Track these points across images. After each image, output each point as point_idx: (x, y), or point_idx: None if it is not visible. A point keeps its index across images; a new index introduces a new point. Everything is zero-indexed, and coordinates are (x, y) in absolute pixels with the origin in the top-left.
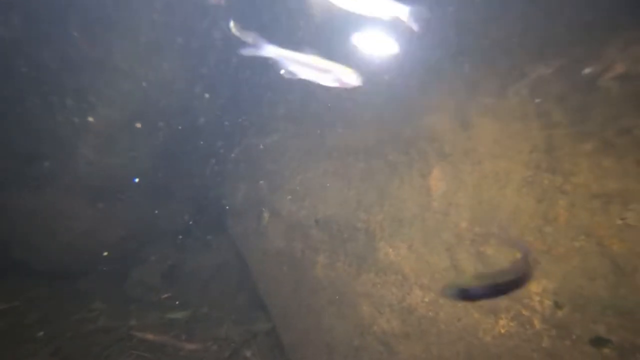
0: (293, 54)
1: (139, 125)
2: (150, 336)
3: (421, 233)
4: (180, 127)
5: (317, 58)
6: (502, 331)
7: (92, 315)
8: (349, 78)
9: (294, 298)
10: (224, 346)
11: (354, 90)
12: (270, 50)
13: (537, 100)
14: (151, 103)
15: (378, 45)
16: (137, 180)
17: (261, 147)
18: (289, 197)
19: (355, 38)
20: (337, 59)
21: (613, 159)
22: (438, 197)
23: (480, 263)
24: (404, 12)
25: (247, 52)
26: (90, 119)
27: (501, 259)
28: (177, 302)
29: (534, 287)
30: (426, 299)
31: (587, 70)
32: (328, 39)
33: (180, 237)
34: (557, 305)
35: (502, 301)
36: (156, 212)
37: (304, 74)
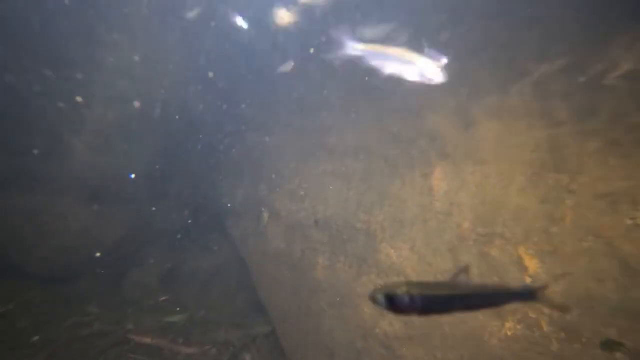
0: (378, 47)
1: (135, 125)
2: (147, 340)
3: (423, 234)
4: (178, 127)
5: (402, 51)
6: (509, 334)
7: (88, 319)
8: (433, 73)
9: (294, 300)
10: (222, 350)
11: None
12: (356, 48)
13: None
14: (149, 102)
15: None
16: (133, 176)
17: (260, 147)
18: (289, 197)
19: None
20: None
21: (620, 157)
22: (440, 198)
23: (484, 264)
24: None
25: (333, 51)
26: (87, 118)
27: (506, 261)
28: (175, 305)
29: None
30: None
31: (592, 69)
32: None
33: (179, 238)
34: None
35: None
36: (154, 213)
37: (389, 68)
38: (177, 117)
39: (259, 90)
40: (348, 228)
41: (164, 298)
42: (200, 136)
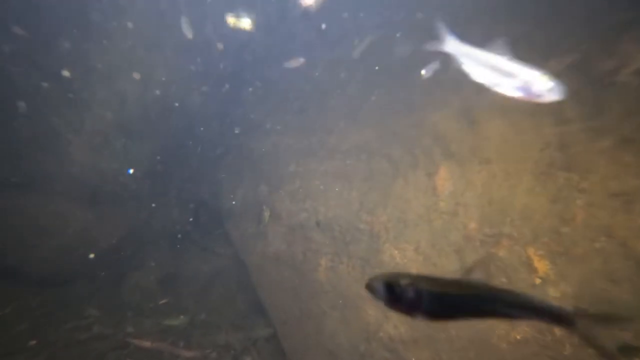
0: (477, 51)
1: (135, 125)
2: (147, 343)
3: (428, 234)
4: (178, 127)
5: (505, 60)
6: (518, 337)
7: (86, 323)
8: (543, 87)
9: (295, 303)
10: (223, 353)
11: (355, 88)
12: (452, 45)
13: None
14: (147, 103)
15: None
16: (131, 171)
17: (261, 147)
18: (289, 198)
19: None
20: None
21: (633, 155)
22: (445, 197)
23: (492, 265)
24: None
25: (431, 45)
26: (86, 117)
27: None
28: (174, 308)
29: (552, 290)
30: None
31: (602, 65)
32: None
33: (178, 239)
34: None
35: None
36: (153, 214)
37: (483, 75)
38: (177, 117)
39: (260, 90)
40: (350, 229)
41: (163, 300)
42: (200, 137)
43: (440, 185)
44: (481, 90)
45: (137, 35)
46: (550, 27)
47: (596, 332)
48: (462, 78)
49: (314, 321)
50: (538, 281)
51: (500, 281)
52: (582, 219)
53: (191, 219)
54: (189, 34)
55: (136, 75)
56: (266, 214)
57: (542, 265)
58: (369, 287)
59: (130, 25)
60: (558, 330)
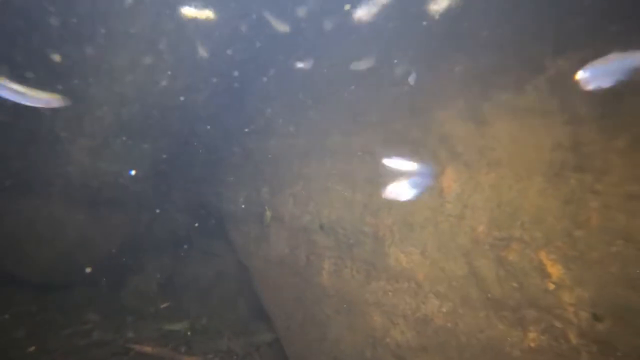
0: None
1: (135, 127)
2: (148, 349)
3: (434, 238)
4: (179, 130)
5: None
6: (532, 345)
7: (86, 328)
8: None
9: (299, 307)
10: (225, 359)
11: (356, 88)
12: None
13: None
14: (148, 104)
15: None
16: (133, 172)
17: (262, 149)
18: (292, 201)
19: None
20: None
21: None
22: (452, 200)
23: (501, 269)
24: None
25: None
26: (85, 120)
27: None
28: (175, 312)
29: (566, 296)
30: (444, 309)
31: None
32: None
33: (179, 243)
34: (596, 318)
35: (529, 312)
36: (153, 218)
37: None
38: (178, 118)
39: (261, 91)
40: (355, 232)
41: (164, 305)
42: (202, 138)
43: (446, 187)
44: (487, 90)
45: (138, 36)
46: (558, 23)
47: None
48: (467, 78)
49: (318, 326)
50: (552, 286)
51: (511, 286)
52: (597, 221)
53: (192, 222)
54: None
55: (137, 76)
56: (268, 214)
57: (555, 270)
58: None
59: (130, 25)
60: (574, 338)
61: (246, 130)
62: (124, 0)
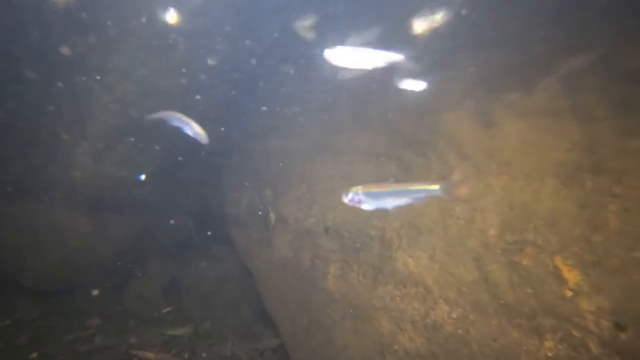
0: None
1: (138, 131)
2: (150, 355)
3: (443, 241)
4: (180, 133)
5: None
6: (550, 354)
7: (88, 334)
8: None
9: (303, 312)
10: None
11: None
12: None
13: None
14: (150, 108)
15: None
16: (143, 177)
17: (265, 151)
18: (296, 203)
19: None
20: None
21: None
22: (461, 202)
23: (515, 274)
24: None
25: None
26: (88, 123)
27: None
28: (178, 317)
29: (585, 303)
30: (454, 315)
31: (631, 60)
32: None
33: (181, 246)
34: (619, 327)
35: (546, 320)
36: (155, 221)
37: None
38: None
39: (263, 93)
40: (361, 235)
41: (167, 309)
42: (203, 143)
43: (463, 179)
44: (495, 90)
45: (139, 39)
46: (569, 20)
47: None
48: (475, 78)
49: (324, 332)
50: (569, 293)
51: (525, 292)
52: (616, 225)
53: (194, 225)
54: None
55: (140, 81)
56: (272, 216)
57: (572, 276)
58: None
59: (133, 29)
60: (595, 348)
61: (249, 132)
62: (126, 3)
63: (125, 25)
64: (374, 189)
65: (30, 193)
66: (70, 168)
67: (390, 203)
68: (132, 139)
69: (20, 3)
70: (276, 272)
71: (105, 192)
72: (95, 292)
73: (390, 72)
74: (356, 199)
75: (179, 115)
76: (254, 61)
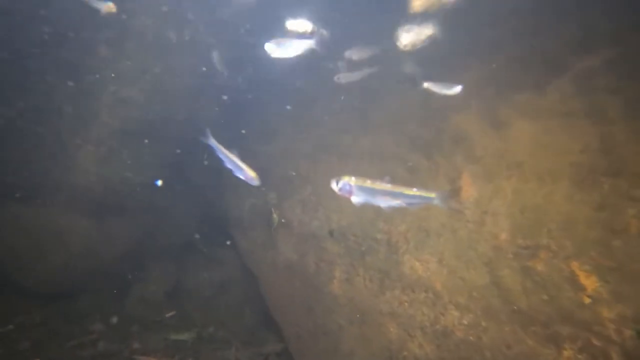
0: None
1: (141, 133)
2: None
3: (452, 245)
4: (184, 135)
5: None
6: None
7: (91, 339)
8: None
9: (309, 316)
10: None
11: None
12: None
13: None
14: (154, 111)
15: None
16: (159, 182)
17: (269, 153)
18: (300, 206)
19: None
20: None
21: None
22: (470, 205)
23: (528, 280)
24: None
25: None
26: (91, 126)
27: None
28: (181, 321)
29: (605, 311)
30: (465, 321)
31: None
32: None
33: (184, 250)
34: None
35: (563, 328)
36: (158, 224)
37: None
38: (184, 124)
39: (268, 94)
40: (366, 238)
41: (170, 314)
42: (206, 146)
43: (464, 192)
44: (505, 90)
45: (143, 42)
46: (581, 18)
47: None
48: (483, 78)
49: (330, 337)
50: (587, 300)
51: (540, 298)
52: (637, 229)
53: (197, 228)
54: (221, 67)
55: (142, 83)
56: (275, 216)
57: (590, 283)
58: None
59: (136, 32)
60: (617, 358)
61: (253, 134)
62: (130, 6)
63: (131, 26)
64: (366, 183)
65: (32, 196)
66: (74, 171)
67: (380, 201)
68: (135, 142)
69: (23, 5)
70: (280, 276)
71: (108, 195)
72: (98, 296)
73: (396, 72)
74: (346, 188)
75: (232, 156)
76: (257, 63)
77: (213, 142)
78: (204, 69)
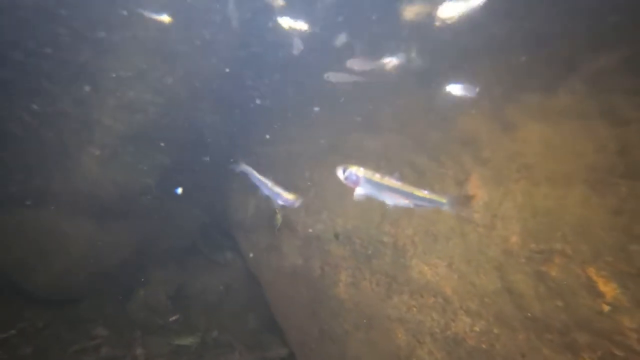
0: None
1: (145, 137)
2: None
3: (462, 249)
4: (188, 138)
5: None
6: None
7: (94, 344)
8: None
9: (314, 321)
10: None
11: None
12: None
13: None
14: (157, 114)
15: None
16: (179, 190)
17: (272, 155)
18: (304, 209)
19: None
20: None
21: None
22: (479, 208)
23: (542, 285)
24: None
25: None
26: (95, 129)
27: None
28: (184, 326)
29: (626, 320)
30: (476, 328)
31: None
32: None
33: (187, 253)
34: None
35: (581, 336)
36: (162, 228)
37: None
38: (187, 127)
39: (269, 96)
40: (372, 242)
41: (173, 318)
42: (211, 146)
43: (472, 195)
44: (513, 91)
45: (146, 47)
46: (594, 17)
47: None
48: (491, 78)
49: (336, 343)
50: (606, 308)
51: (555, 305)
52: None
53: (200, 231)
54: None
55: (146, 87)
56: (278, 217)
57: (609, 289)
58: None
59: (139, 37)
60: None
61: (256, 137)
62: (134, 10)
63: (133, 30)
64: (375, 177)
65: (36, 200)
66: (76, 175)
67: (387, 198)
68: (139, 145)
69: (27, 8)
70: (285, 280)
71: (111, 199)
72: (101, 301)
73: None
74: (353, 178)
75: (267, 181)
76: (262, 65)
77: (247, 168)
78: (227, 70)
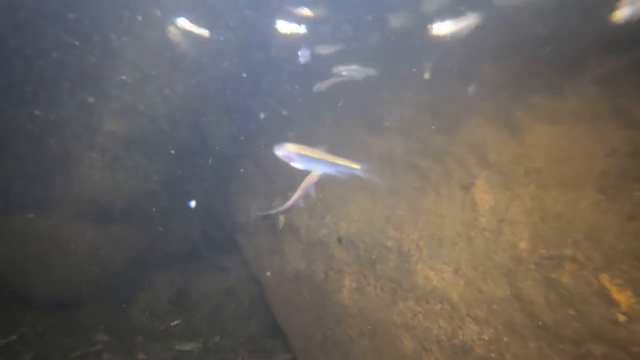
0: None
1: (146, 140)
2: None
3: (468, 254)
4: (189, 141)
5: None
6: None
7: (95, 350)
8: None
9: (318, 327)
10: None
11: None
12: None
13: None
14: (159, 118)
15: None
16: (193, 204)
17: (274, 158)
18: (308, 212)
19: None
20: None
21: None
22: (486, 213)
23: (552, 293)
24: None
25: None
26: (97, 132)
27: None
28: (186, 331)
29: None
30: (485, 336)
31: None
32: None
33: (189, 257)
34: None
35: (596, 347)
36: (163, 232)
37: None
38: (189, 131)
39: (272, 99)
40: (376, 246)
41: (174, 322)
42: (213, 150)
43: (479, 199)
44: (520, 93)
45: (148, 51)
46: (603, 19)
47: None
48: (498, 80)
49: (340, 349)
50: (622, 317)
51: (567, 313)
52: None
53: (202, 236)
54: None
55: (147, 90)
56: (281, 219)
57: (624, 298)
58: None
59: (141, 40)
60: None
61: (258, 139)
62: (134, 15)
63: (136, 35)
64: (305, 151)
65: (36, 205)
66: (78, 179)
67: (317, 168)
68: (141, 150)
69: (31, 13)
70: (288, 284)
71: (112, 203)
72: (102, 306)
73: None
74: (287, 154)
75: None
76: (264, 67)
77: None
78: (235, 75)
